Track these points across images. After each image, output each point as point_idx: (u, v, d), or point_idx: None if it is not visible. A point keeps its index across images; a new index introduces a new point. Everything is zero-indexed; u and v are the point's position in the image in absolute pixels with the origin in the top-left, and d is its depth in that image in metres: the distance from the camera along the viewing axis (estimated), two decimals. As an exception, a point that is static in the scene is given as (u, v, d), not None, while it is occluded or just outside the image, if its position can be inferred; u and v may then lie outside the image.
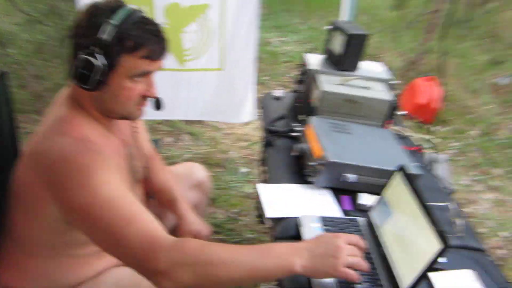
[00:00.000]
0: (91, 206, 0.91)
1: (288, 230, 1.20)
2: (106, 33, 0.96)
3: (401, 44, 5.46)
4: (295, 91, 1.99)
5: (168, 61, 1.09)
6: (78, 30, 1.00)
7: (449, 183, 1.57)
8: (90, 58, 0.96)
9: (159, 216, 1.07)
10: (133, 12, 1.00)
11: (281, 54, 5.10)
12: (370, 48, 1.90)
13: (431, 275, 1.06)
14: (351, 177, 1.33)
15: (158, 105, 1.21)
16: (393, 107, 1.68)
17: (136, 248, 0.89)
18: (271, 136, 1.66)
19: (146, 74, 1.05)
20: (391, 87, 1.80)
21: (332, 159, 1.31)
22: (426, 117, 3.63)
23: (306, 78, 1.82)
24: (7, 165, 1.23)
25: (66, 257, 1.12)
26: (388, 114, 1.69)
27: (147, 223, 0.93)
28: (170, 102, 1.55)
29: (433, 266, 0.90)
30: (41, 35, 3.40)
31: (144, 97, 1.09)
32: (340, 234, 0.97)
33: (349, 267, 0.92)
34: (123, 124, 1.24)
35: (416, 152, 1.72)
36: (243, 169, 2.84)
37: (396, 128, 1.84)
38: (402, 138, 1.80)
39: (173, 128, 3.19)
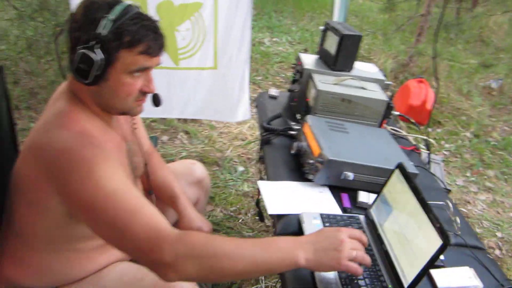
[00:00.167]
0: (94, 199, 0.91)
1: (289, 227, 1.20)
2: (104, 28, 0.95)
3: (391, 46, 5.51)
4: (290, 91, 1.99)
5: (163, 59, 1.09)
6: (75, 25, 0.99)
7: (445, 183, 1.59)
8: (88, 52, 0.95)
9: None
10: (130, 8, 1.00)
11: (273, 54, 5.12)
12: (361, 50, 1.91)
13: (432, 271, 1.07)
14: (350, 175, 1.34)
15: (156, 101, 1.20)
16: (389, 107, 1.69)
17: (141, 240, 0.89)
18: (268, 134, 1.66)
19: (144, 69, 1.05)
20: (385, 87, 1.82)
21: (331, 157, 1.32)
22: (420, 118, 3.66)
23: (302, 77, 1.82)
24: (6, 160, 1.22)
25: (69, 251, 1.11)
26: (384, 114, 1.70)
27: (151, 216, 0.92)
28: (165, 100, 1.55)
29: (435, 263, 0.91)
30: (33, 31, 3.37)
31: (143, 93, 1.09)
32: (343, 228, 0.98)
33: (352, 260, 0.92)
34: (122, 120, 1.24)
35: (412, 151, 1.74)
36: (240, 168, 2.84)
37: (392, 128, 1.86)
38: (398, 138, 1.81)
39: (169, 126, 3.18)
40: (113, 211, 0.91)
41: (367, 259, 0.94)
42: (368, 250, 1.04)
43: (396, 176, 1.15)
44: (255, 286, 1.93)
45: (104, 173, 0.93)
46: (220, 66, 2.65)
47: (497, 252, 2.45)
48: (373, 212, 1.22)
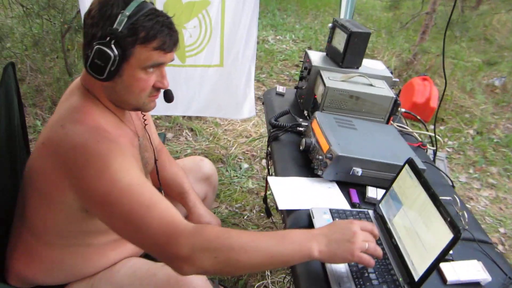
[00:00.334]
0: (110, 193, 0.92)
1: (299, 222, 1.21)
2: (120, 24, 0.96)
3: (395, 44, 5.52)
4: (297, 87, 2.01)
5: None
6: (91, 21, 1.00)
7: (450, 179, 1.60)
8: (104, 48, 0.96)
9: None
10: (144, 4, 1.01)
11: (277, 52, 5.14)
12: (365, 48, 1.92)
13: (441, 265, 1.08)
14: (359, 170, 1.35)
15: (169, 97, 1.21)
16: (396, 104, 1.71)
17: (157, 234, 0.90)
18: (276, 131, 1.67)
19: (158, 65, 1.06)
20: (392, 85, 1.83)
21: (340, 153, 1.33)
22: (423, 116, 3.67)
23: (310, 74, 1.83)
24: (18, 156, 1.23)
25: (82, 246, 1.12)
26: (391, 111, 1.72)
27: (167, 210, 0.93)
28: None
29: (446, 256, 0.92)
30: (39, 28, 3.38)
31: (156, 89, 1.10)
32: (355, 220, 0.99)
33: (364, 252, 0.94)
34: (134, 115, 1.25)
35: (418, 148, 1.75)
36: (245, 165, 2.85)
37: (398, 124, 1.87)
38: (404, 135, 1.82)
39: (173, 123, 3.20)
40: (129, 205, 0.92)
41: (379, 251, 0.96)
42: (378, 244, 1.05)
43: (406, 171, 1.16)
44: (261, 282, 1.95)
45: (120, 167, 0.94)
46: (226, 64, 2.67)
47: (500, 247, 2.47)
48: (382, 207, 1.24)
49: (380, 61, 2.03)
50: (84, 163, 0.93)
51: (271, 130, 1.69)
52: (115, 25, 0.96)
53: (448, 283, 1.07)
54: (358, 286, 0.99)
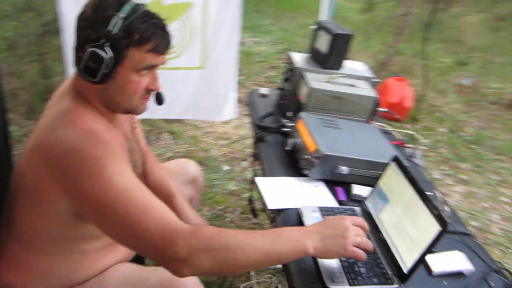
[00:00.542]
0: (106, 197, 0.91)
1: (289, 220, 1.24)
2: (115, 26, 0.97)
3: (371, 46, 5.64)
4: (280, 89, 2.04)
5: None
6: (84, 23, 1.00)
7: (428, 175, 1.66)
8: (98, 50, 0.96)
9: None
10: (138, 6, 1.01)
11: (255, 54, 5.16)
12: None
13: (426, 257, 1.13)
14: (345, 169, 1.39)
15: (160, 99, 1.22)
16: (376, 103, 1.76)
17: (154, 236, 0.90)
18: (262, 132, 1.70)
19: (151, 67, 1.07)
20: (373, 85, 1.89)
21: (327, 152, 1.37)
22: (399, 115, 3.77)
23: (293, 76, 1.87)
24: (2, 162, 1.21)
25: (72, 253, 1.11)
26: (372, 110, 1.77)
27: (163, 211, 0.94)
28: (152, 101, 1.57)
29: (433, 247, 0.97)
30: (14, 31, 3.30)
31: (148, 91, 1.10)
32: (346, 216, 1.03)
33: (356, 246, 0.97)
34: (123, 119, 1.25)
35: (399, 146, 1.81)
36: (225, 167, 2.87)
37: (378, 123, 1.92)
38: (385, 133, 1.88)
39: (153, 127, 3.18)
40: (125, 209, 0.91)
41: (370, 245, 1.00)
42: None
43: (392, 168, 1.21)
44: (246, 283, 1.97)
45: (115, 171, 0.94)
46: (208, 66, 2.68)
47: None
48: (368, 203, 1.28)
49: (361, 62, 2.08)
50: (79, 167, 0.93)
51: (257, 132, 1.71)
52: (109, 27, 0.96)
53: (433, 274, 1.11)
54: (350, 280, 1.03)
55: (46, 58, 3.03)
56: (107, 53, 0.96)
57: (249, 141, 3.21)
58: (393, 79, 4.01)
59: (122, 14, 0.97)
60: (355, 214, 1.27)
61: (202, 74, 2.70)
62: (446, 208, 1.37)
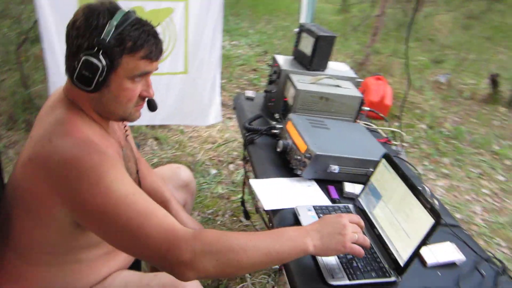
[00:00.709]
0: (107, 205, 0.91)
1: (285, 220, 1.26)
2: (108, 34, 0.97)
3: (348, 46, 5.73)
4: (267, 91, 2.06)
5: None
6: (76, 32, 0.99)
7: (416, 171, 1.71)
8: (92, 59, 0.96)
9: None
10: (129, 14, 1.02)
11: (234, 57, 5.19)
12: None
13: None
14: (336, 168, 1.42)
15: (152, 105, 1.22)
16: (362, 103, 1.80)
17: (157, 241, 0.90)
18: (251, 134, 1.71)
19: (145, 74, 1.07)
20: (356, 85, 1.93)
21: (318, 152, 1.39)
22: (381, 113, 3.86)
23: (279, 78, 1.89)
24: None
25: (71, 263, 1.10)
26: (358, 110, 1.81)
27: (165, 217, 0.94)
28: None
29: (428, 240, 1.00)
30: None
31: (142, 98, 1.11)
32: (343, 214, 1.05)
33: (354, 243, 1.00)
34: (116, 126, 1.25)
35: (385, 143, 1.85)
36: (213, 171, 2.87)
37: (364, 122, 1.97)
38: (371, 131, 1.92)
39: (137, 133, 3.16)
40: (126, 216, 0.91)
41: (367, 241, 1.03)
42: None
43: (383, 165, 1.24)
44: (241, 284, 1.98)
45: (114, 178, 0.94)
46: (191, 71, 2.68)
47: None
48: (361, 200, 1.31)
49: (343, 62, 2.13)
50: (77, 176, 0.92)
51: (246, 134, 1.73)
52: (102, 35, 0.96)
53: (428, 265, 1.15)
54: (349, 275, 1.05)
55: (25, 67, 2.98)
56: (101, 61, 0.96)
57: (235, 144, 3.23)
58: (372, 78, 4.10)
59: (115, 22, 0.98)
60: (349, 212, 1.30)
61: (186, 79, 2.71)
62: (435, 202, 1.42)
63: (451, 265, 1.17)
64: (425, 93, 4.64)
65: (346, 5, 6.51)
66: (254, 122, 1.84)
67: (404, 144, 3.60)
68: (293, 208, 1.29)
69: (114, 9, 1.01)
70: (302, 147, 1.45)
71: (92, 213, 0.93)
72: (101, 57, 0.96)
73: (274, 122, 1.80)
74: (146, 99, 1.13)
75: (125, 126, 1.32)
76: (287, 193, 1.38)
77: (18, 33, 2.65)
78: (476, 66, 5.77)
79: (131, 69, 1.02)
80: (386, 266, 1.10)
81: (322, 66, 1.93)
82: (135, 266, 1.31)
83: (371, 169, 1.39)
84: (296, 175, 1.46)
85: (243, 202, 1.87)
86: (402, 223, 1.11)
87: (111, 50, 0.97)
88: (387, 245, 1.14)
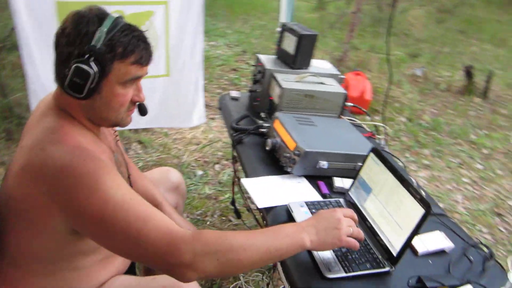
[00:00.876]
0: (105, 211, 0.91)
1: (278, 217, 1.28)
2: (98, 40, 0.97)
3: (326, 43, 5.80)
4: (251, 91, 2.08)
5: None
6: (66, 39, 0.99)
7: (403, 163, 1.76)
8: (83, 66, 0.96)
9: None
10: (118, 20, 1.02)
11: (213, 58, 5.18)
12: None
13: (411, 239, 1.20)
14: (325, 163, 1.45)
15: (143, 110, 1.22)
16: (345, 99, 1.84)
17: (157, 244, 0.91)
18: (239, 134, 1.73)
19: (135, 79, 1.08)
20: (339, 81, 1.97)
21: (307, 149, 1.42)
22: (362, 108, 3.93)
23: (264, 77, 1.91)
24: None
25: (68, 271, 1.09)
26: (342, 106, 1.85)
27: (163, 220, 0.95)
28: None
29: (419, 229, 1.04)
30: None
31: (133, 103, 1.11)
32: (337, 208, 1.08)
33: (349, 236, 1.03)
34: (106, 132, 1.25)
35: (370, 137, 1.90)
36: (199, 172, 2.87)
37: (348, 118, 2.01)
38: (356, 126, 1.96)
39: (121, 137, 3.12)
40: (125, 221, 0.92)
41: (362, 234, 1.06)
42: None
43: (372, 159, 1.28)
44: (235, 283, 1.99)
45: (110, 184, 0.94)
46: (173, 73, 2.68)
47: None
48: (351, 194, 1.35)
49: (325, 60, 2.16)
50: (74, 184, 0.92)
51: (234, 134, 1.74)
52: (93, 42, 0.96)
53: (419, 254, 1.19)
54: (345, 268, 1.08)
55: (2, 75, 2.92)
56: (92, 68, 0.96)
57: (219, 145, 3.24)
58: (351, 74, 4.16)
59: (104, 28, 0.98)
60: (341, 206, 1.33)
61: (168, 81, 2.70)
62: (422, 192, 1.46)
63: (441, 252, 1.21)
64: (403, 87, 4.74)
65: (322, 3, 6.58)
66: (241, 122, 1.86)
67: (386, 137, 3.68)
68: (285, 205, 1.31)
69: (103, 15, 1.01)
70: (291, 145, 1.47)
71: (90, 220, 0.93)
72: (92, 64, 0.96)
73: (261, 121, 1.82)
74: (139, 103, 1.13)
75: (115, 131, 1.31)
76: (279, 191, 1.40)
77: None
78: (451, 58, 5.93)
79: (122, 74, 1.02)
80: (380, 257, 1.13)
81: (305, 64, 1.96)
82: (130, 270, 1.31)
83: (359, 164, 1.43)
84: (286, 172, 1.49)
85: (233, 202, 1.88)
86: (393, 215, 1.14)
87: (102, 57, 0.97)
88: (379, 236, 1.17)
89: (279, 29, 2.03)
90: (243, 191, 1.74)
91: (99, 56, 0.97)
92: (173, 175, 1.67)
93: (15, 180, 1.01)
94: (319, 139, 1.54)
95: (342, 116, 1.91)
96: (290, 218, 1.27)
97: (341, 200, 1.36)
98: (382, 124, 1.98)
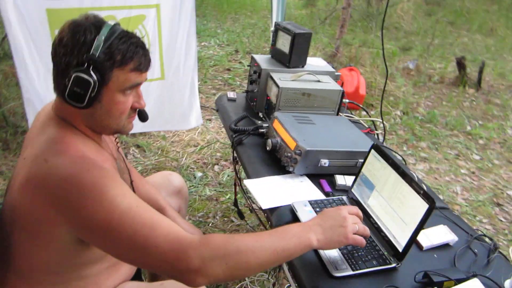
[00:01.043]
0: (111, 220, 0.91)
1: (283, 217, 1.28)
2: (97, 49, 0.97)
3: (318, 40, 5.80)
4: (248, 91, 2.08)
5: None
6: (64, 49, 0.98)
7: (402, 158, 1.77)
8: (83, 75, 0.96)
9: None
10: (115, 27, 1.02)
11: (206, 59, 5.17)
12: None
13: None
14: (326, 162, 1.46)
15: (143, 116, 1.22)
16: (342, 96, 1.85)
17: (165, 251, 0.91)
18: (238, 135, 1.73)
19: (135, 86, 1.08)
20: (335, 78, 1.98)
21: (308, 148, 1.42)
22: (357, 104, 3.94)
23: (260, 77, 1.91)
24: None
25: (76, 280, 1.09)
26: (339, 103, 1.85)
27: (170, 226, 0.95)
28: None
29: (424, 224, 1.05)
30: None
31: (134, 109, 1.11)
32: (341, 206, 1.08)
33: (355, 233, 1.03)
34: (107, 139, 1.24)
35: (368, 133, 1.90)
36: (198, 173, 2.87)
37: (345, 114, 2.01)
38: (354, 123, 1.97)
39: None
40: (132, 229, 0.91)
41: (367, 230, 1.06)
42: (361, 224, 1.16)
43: (373, 156, 1.28)
44: (240, 284, 1.99)
45: (116, 193, 0.94)
46: (168, 76, 2.67)
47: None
48: (354, 191, 1.35)
49: (320, 58, 2.17)
50: (79, 194, 0.92)
51: (233, 136, 1.74)
52: (91, 51, 0.96)
53: (424, 249, 1.20)
54: (352, 265, 1.09)
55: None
56: (92, 77, 0.96)
57: (217, 145, 3.23)
58: (345, 70, 4.17)
59: (102, 36, 0.97)
60: (344, 203, 1.33)
61: (163, 84, 2.70)
62: (424, 186, 1.47)
63: (445, 246, 1.22)
64: (397, 80, 4.75)
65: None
66: (240, 122, 1.85)
67: (382, 130, 3.70)
68: (289, 205, 1.31)
69: (99, 23, 1.01)
70: (292, 144, 1.47)
71: (97, 229, 0.93)
72: (91, 72, 0.96)
73: (259, 122, 1.82)
74: (140, 109, 1.13)
75: (116, 138, 1.31)
76: (282, 191, 1.40)
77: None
78: (442, 50, 5.96)
79: (122, 82, 1.02)
80: (386, 253, 1.14)
81: (301, 63, 1.96)
82: (136, 276, 1.31)
83: (360, 160, 1.43)
84: (288, 172, 1.49)
85: (236, 203, 1.88)
86: (397, 211, 1.15)
87: (101, 65, 0.97)
88: (384, 233, 1.18)
89: (273, 28, 2.04)
90: (244, 192, 1.74)
91: (98, 65, 0.97)
92: (175, 179, 1.66)
93: (19, 192, 1.01)
94: (319, 137, 1.54)
95: (340, 113, 1.92)
96: (295, 218, 1.27)
97: (344, 197, 1.37)
98: (380, 120, 1.99)
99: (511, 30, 7.23)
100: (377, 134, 2.02)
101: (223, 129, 3.27)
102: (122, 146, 3.09)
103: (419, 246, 1.21)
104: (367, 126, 2.01)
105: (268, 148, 1.58)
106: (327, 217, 1.05)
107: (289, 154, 1.48)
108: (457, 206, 2.76)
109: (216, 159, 3.07)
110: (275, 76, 1.83)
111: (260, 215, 1.85)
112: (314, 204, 1.31)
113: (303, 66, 1.96)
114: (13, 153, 2.78)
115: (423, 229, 1.23)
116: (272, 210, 1.32)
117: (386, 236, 1.17)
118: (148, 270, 1.54)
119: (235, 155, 1.73)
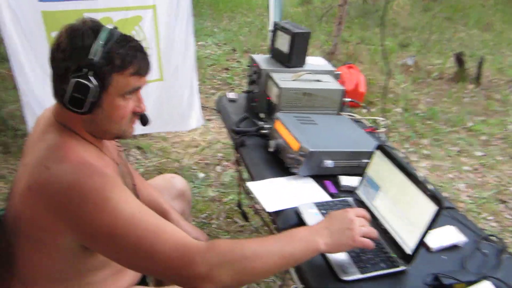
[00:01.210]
0: (115, 226, 0.90)
1: (288, 220, 1.26)
2: (96, 53, 0.95)
3: (315, 37, 5.77)
4: (248, 92, 2.06)
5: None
6: (62, 55, 0.97)
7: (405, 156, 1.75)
8: (83, 80, 0.94)
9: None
10: (113, 31, 1.00)
11: (204, 58, 5.14)
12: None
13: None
14: (330, 162, 1.44)
15: (144, 120, 1.20)
16: (343, 95, 1.83)
17: (171, 258, 0.89)
18: (241, 136, 1.71)
19: (135, 90, 1.06)
20: (336, 77, 1.96)
21: (312, 149, 1.40)
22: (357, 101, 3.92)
23: (260, 78, 1.89)
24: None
25: (80, 287, 1.07)
26: (341, 102, 1.83)
27: (175, 232, 0.94)
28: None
29: (433, 225, 1.03)
30: None
31: (134, 114, 1.09)
32: (348, 209, 1.07)
33: (362, 236, 1.01)
34: (108, 143, 1.22)
35: (371, 132, 1.88)
36: (201, 174, 2.85)
37: (347, 113, 1.99)
38: (356, 122, 1.95)
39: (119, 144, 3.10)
40: (136, 235, 0.90)
41: (375, 232, 1.04)
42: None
43: (378, 156, 1.26)
44: (245, 286, 1.98)
45: (119, 199, 0.93)
46: (166, 77, 2.65)
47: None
48: (360, 192, 1.33)
49: (319, 57, 2.15)
50: (82, 201, 0.90)
51: (236, 137, 1.72)
52: (90, 56, 0.94)
53: (432, 250, 1.18)
54: (360, 268, 1.07)
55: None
56: (91, 82, 0.94)
57: (219, 146, 3.22)
58: (344, 67, 4.15)
59: (100, 41, 0.96)
60: (350, 205, 1.32)
61: (162, 85, 2.68)
62: (429, 186, 1.45)
63: (454, 247, 1.20)
64: (396, 77, 4.74)
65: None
66: (241, 123, 1.83)
67: (385, 129, 3.68)
68: (295, 208, 1.29)
69: (97, 27, 0.99)
70: (295, 145, 1.45)
71: (101, 237, 0.92)
72: (91, 77, 0.94)
73: (261, 122, 1.80)
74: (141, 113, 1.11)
75: (117, 143, 1.29)
76: (286, 193, 1.38)
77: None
78: (440, 46, 5.93)
79: (122, 86, 1.00)
80: (394, 255, 1.12)
81: (300, 62, 1.94)
82: (142, 282, 1.29)
83: (364, 160, 1.41)
84: (292, 174, 1.47)
85: (239, 205, 1.86)
86: (404, 212, 1.13)
87: (101, 70, 0.96)
88: (392, 235, 1.16)
89: (271, 28, 2.01)
90: (248, 192, 1.72)
91: (97, 70, 0.95)
92: (178, 181, 1.65)
93: (21, 200, 1.00)
94: (322, 138, 1.52)
95: (342, 112, 1.90)
96: (300, 221, 1.25)
97: (350, 199, 1.35)
98: (382, 118, 1.97)
99: (508, 24, 7.20)
100: (380, 133, 2.00)
101: (224, 129, 3.25)
102: (123, 148, 3.06)
103: (427, 248, 1.19)
104: (369, 125, 1.99)
105: (271, 150, 1.56)
106: (334, 220, 1.04)
107: (292, 156, 1.46)
108: (462, 204, 2.74)
109: (218, 159, 3.06)
110: (275, 76, 1.81)
111: (264, 216, 1.83)
112: (320, 206, 1.29)
113: (302, 66, 1.94)
114: (14, 157, 2.76)
115: (431, 230, 1.22)
116: (277, 213, 1.30)
117: (393, 238, 1.15)
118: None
119: (238, 156, 1.71)
